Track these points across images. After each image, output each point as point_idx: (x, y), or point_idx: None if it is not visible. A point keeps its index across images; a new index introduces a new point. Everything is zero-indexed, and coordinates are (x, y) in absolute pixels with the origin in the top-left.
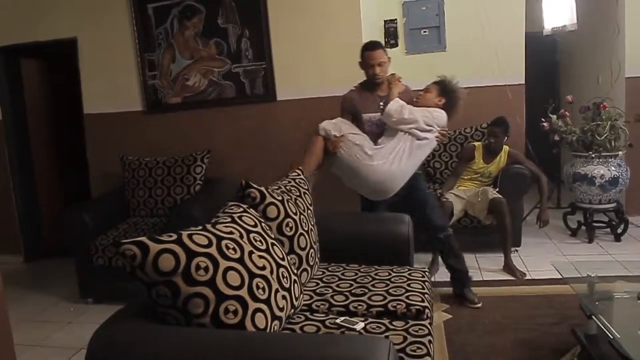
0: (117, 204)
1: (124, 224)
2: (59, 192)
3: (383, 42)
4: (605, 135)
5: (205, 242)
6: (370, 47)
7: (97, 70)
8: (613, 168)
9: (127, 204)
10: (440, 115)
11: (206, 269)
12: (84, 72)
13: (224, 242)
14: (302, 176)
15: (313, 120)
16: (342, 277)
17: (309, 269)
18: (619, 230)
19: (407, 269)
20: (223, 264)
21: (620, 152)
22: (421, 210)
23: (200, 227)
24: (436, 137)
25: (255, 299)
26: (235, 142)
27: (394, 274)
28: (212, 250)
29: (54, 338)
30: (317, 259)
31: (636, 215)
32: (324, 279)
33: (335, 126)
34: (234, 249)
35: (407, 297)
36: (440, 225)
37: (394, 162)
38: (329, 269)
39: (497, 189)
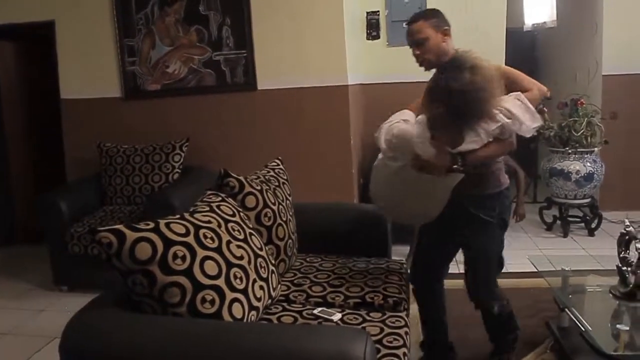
0: (94, 191)
1: (100, 211)
2: (34, 177)
3: (364, 35)
4: (581, 131)
5: (183, 230)
6: (409, 20)
7: (75, 55)
8: (589, 164)
9: (104, 191)
10: None
11: (183, 258)
12: (62, 57)
13: (201, 231)
14: (281, 166)
15: (293, 110)
16: (320, 268)
17: (286, 259)
18: (593, 225)
19: (385, 261)
20: (200, 253)
21: (595, 149)
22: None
23: (178, 216)
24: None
25: (233, 288)
26: (215, 130)
27: (371, 266)
28: (190, 239)
29: (27, 326)
30: (295, 250)
31: (610, 211)
32: (301, 270)
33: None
34: (211, 238)
35: (384, 289)
36: (481, 298)
37: None
38: (307, 259)
39: None
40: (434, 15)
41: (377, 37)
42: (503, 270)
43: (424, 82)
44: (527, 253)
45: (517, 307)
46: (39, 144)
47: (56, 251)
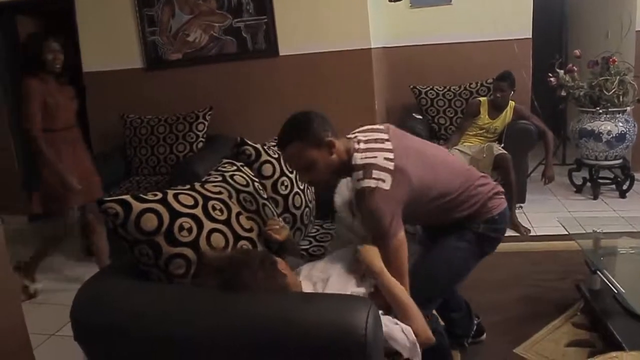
0: (119, 163)
1: (126, 182)
2: None
3: None
4: (613, 90)
5: (191, 202)
6: (278, 143)
7: (95, 28)
8: (620, 124)
9: (130, 162)
10: None
11: (190, 230)
12: (82, 30)
13: (210, 203)
14: None
15: (316, 75)
16: (335, 234)
17: (302, 227)
18: (624, 187)
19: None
20: (208, 225)
21: (628, 108)
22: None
23: (188, 187)
24: None
25: None
26: (238, 98)
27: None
28: (197, 211)
29: (63, 295)
30: (312, 218)
31: None
32: (317, 237)
33: None
34: (220, 210)
35: None
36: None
37: None
38: (324, 226)
39: (503, 145)
40: (307, 128)
41: None
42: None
43: (450, 43)
44: (557, 215)
45: (547, 271)
46: None
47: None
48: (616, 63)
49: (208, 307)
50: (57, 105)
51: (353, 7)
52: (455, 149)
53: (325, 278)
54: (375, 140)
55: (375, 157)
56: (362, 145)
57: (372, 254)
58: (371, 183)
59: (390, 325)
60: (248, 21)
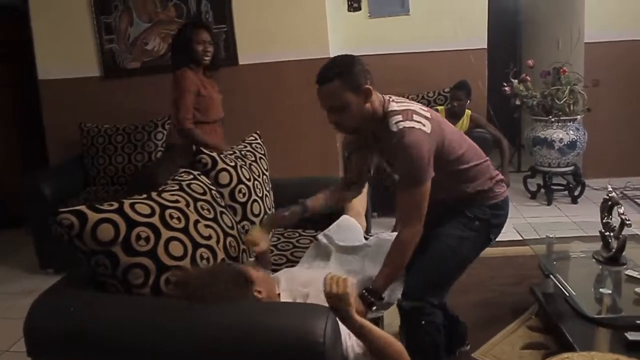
0: (77, 172)
1: (84, 192)
2: (19, 161)
3: (346, 6)
4: (564, 99)
5: (148, 211)
6: (318, 79)
7: (51, 35)
8: (571, 132)
9: (87, 172)
10: None
11: (147, 239)
12: (37, 36)
13: (168, 212)
14: (259, 140)
15: (276, 84)
16: (297, 244)
17: None
18: (576, 193)
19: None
20: (165, 234)
21: (578, 117)
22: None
23: (144, 196)
24: None
25: None
26: None
27: None
28: (155, 219)
29: (13, 309)
30: None
31: (592, 178)
32: (278, 246)
33: None
34: (178, 218)
35: None
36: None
37: None
38: (285, 235)
39: None
40: (350, 70)
41: (359, 8)
42: None
43: (408, 52)
44: (512, 222)
45: (503, 276)
46: (22, 127)
47: (40, 234)
48: (566, 73)
49: (167, 318)
50: (211, 97)
51: (312, 17)
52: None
53: (305, 294)
54: (407, 101)
55: (412, 106)
56: (396, 99)
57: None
58: (414, 124)
59: None
60: None
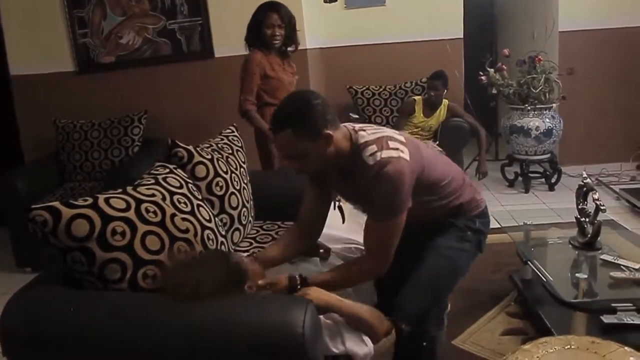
0: (52, 169)
1: (60, 189)
2: None
3: None
4: (540, 88)
5: (123, 205)
6: (272, 126)
7: (23, 29)
8: (547, 120)
9: (63, 168)
10: None
11: (123, 234)
12: (8, 31)
13: (143, 206)
14: (236, 133)
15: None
16: (277, 236)
17: (241, 228)
18: (553, 180)
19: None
20: (142, 228)
21: (554, 105)
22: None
23: (119, 190)
24: None
25: None
26: (174, 101)
27: None
28: (130, 214)
29: None
30: (250, 218)
31: (568, 165)
32: (257, 239)
33: None
34: (154, 212)
35: None
36: (402, 312)
37: None
38: (264, 227)
39: (437, 142)
40: (305, 117)
41: (335, 0)
42: None
43: (385, 43)
44: (490, 210)
45: (482, 263)
46: None
47: (17, 233)
48: (542, 62)
49: (145, 313)
50: (279, 79)
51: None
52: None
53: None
54: (375, 127)
55: (384, 131)
56: (365, 127)
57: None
58: (392, 153)
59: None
60: (182, 23)
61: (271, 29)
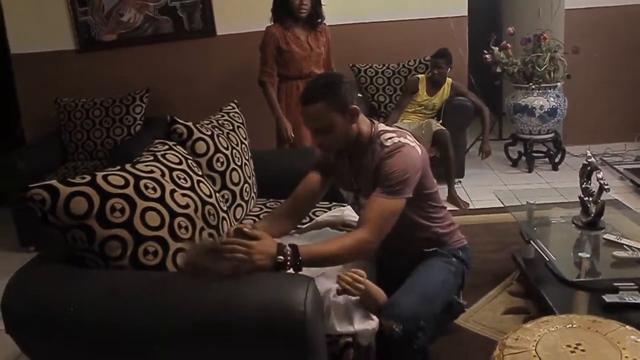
0: (54, 148)
1: (62, 168)
2: None
3: None
4: (545, 66)
5: (122, 182)
6: (302, 98)
7: (23, 7)
8: (552, 99)
9: (65, 148)
10: None
11: (122, 211)
12: (8, 9)
13: (142, 182)
14: (237, 110)
15: (255, 55)
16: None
17: (244, 204)
18: (557, 160)
19: (346, 205)
20: (141, 204)
21: (558, 84)
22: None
23: (118, 168)
24: None
25: (177, 238)
26: (176, 79)
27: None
28: (129, 190)
29: None
30: (253, 194)
31: (572, 145)
32: (260, 216)
33: None
34: (153, 188)
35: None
36: (394, 313)
37: None
38: (267, 204)
39: (441, 121)
40: (336, 91)
41: None
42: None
43: (388, 21)
44: (494, 189)
45: (485, 242)
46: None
47: (20, 213)
48: (547, 40)
49: (146, 291)
50: (292, 52)
51: None
52: (395, 125)
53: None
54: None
55: (403, 130)
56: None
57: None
58: (409, 142)
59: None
60: (184, 0)
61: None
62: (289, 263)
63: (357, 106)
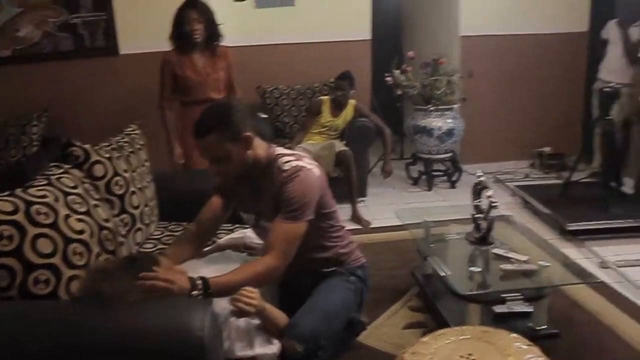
0: None
1: None
2: None
3: None
4: (442, 89)
5: (11, 208)
6: (195, 132)
7: None
8: (449, 120)
9: None
10: None
11: (10, 238)
12: None
13: (34, 208)
14: (137, 131)
15: (159, 75)
16: None
17: (144, 227)
18: (454, 178)
19: (248, 228)
20: (32, 231)
21: (455, 106)
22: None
23: (7, 193)
24: None
25: (72, 265)
26: (77, 98)
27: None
28: (19, 217)
29: None
30: (154, 217)
31: (469, 164)
32: (162, 239)
33: None
34: (46, 214)
35: None
36: (296, 332)
37: None
38: (169, 228)
39: (344, 142)
40: (228, 120)
41: None
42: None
43: (294, 43)
44: (395, 207)
45: (387, 259)
46: None
47: None
48: (444, 64)
49: (38, 320)
50: (186, 78)
51: None
52: (299, 147)
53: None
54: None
55: (300, 153)
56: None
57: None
58: (306, 164)
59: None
60: (85, 17)
61: (190, 24)
62: (200, 297)
63: (251, 133)
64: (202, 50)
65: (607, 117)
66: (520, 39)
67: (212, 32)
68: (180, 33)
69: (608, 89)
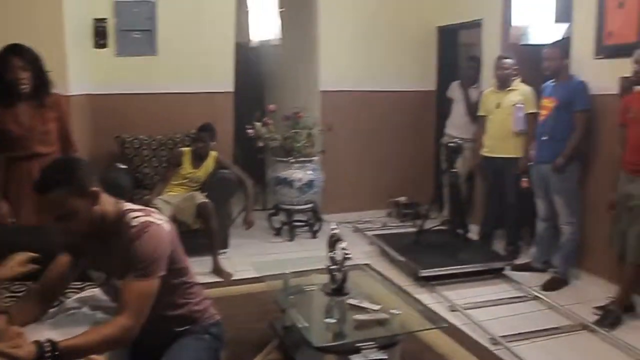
0: None
1: None
2: None
3: (92, 42)
4: (302, 142)
5: None
6: (36, 188)
7: None
8: (309, 172)
9: None
10: None
11: None
12: None
13: None
14: None
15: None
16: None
17: None
18: (316, 228)
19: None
20: None
21: (315, 158)
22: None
23: None
24: None
25: None
26: None
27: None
28: None
29: None
30: None
31: (330, 214)
32: (3, 301)
33: None
34: None
35: None
36: None
37: None
38: (11, 288)
39: (205, 194)
40: (73, 175)
41: (105, 45)
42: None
43: (156, 93)
44: (256, 259)
45: (247, 312)
46: None
47: None
48: (303, 118)
49: None
50: (9, 132)
51: (51, 52)
52: (159, 198)
53: None
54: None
55: (149, 209)
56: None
57: None
58: (155, 220)
59: None
60: None
61: (14, 73)
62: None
63: (97, 188)
64: (29, 100)
65: (453, 170)
66: (376, 95)
67: (41, 80)
68: (4, 83)
69: (452, 144)
